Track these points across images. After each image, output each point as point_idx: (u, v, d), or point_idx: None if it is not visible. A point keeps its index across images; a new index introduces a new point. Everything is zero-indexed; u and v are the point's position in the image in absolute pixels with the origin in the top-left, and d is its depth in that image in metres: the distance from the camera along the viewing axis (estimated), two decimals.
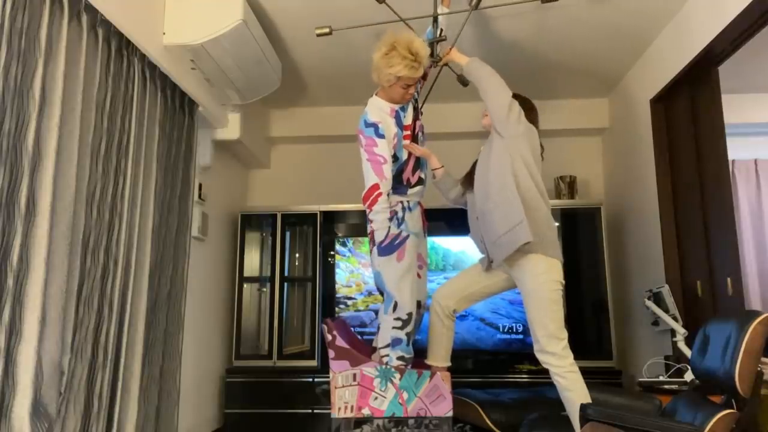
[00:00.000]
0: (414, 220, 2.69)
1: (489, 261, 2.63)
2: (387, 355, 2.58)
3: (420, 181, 2.74)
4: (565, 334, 2.43)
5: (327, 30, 2.91)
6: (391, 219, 2.59)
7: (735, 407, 1.96)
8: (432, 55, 2.88)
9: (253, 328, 4.19)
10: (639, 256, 3.93)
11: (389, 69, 2.48)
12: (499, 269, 2.64)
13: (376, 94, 2.68)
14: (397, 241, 2.59)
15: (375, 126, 2.56)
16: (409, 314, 2.57)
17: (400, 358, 2.57)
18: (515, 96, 2.61)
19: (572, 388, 2.37)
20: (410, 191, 2.71)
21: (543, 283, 2.43)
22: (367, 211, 2.56)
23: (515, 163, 2.50)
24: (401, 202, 2.67)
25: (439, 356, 2.70)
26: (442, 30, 2.90)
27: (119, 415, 2.51)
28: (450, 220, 4.08)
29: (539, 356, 2.44)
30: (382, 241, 2.56)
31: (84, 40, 2.28)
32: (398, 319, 2.55)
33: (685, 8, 3.19)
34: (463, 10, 2.98)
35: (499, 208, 2.47)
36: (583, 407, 2.00)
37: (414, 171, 2.72)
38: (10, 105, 1.92)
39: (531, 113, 2.66)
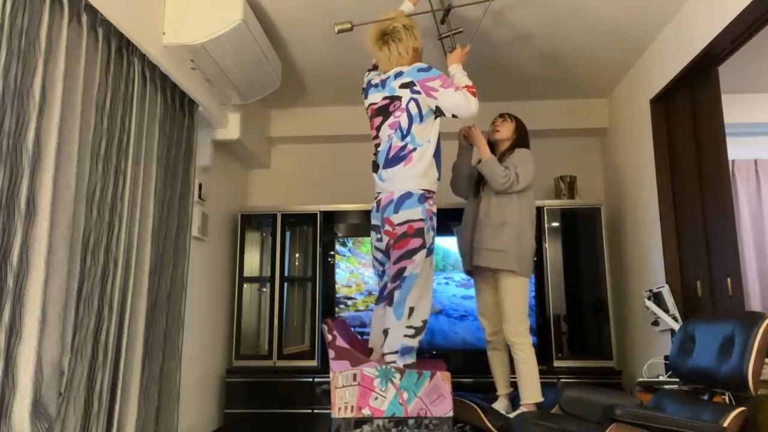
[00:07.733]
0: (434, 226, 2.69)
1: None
2: (393, 362, 2.56)
3: None
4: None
5: (348, 25, 2.73)
6: (431, 218, 2.61)
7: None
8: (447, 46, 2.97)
9: (253, 328, 4.19)
10: (639, 256, 3.93)
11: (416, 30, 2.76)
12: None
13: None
14: (432, 246, 2.63)
15: (430, 66, 2.65)
16: (424, 322, 2.57)
17: (407, 365, 2.57)
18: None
19: None
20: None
21: None
22: (471, 95, 2.64)
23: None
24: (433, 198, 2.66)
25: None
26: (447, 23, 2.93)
27: (119, 415, 2.50)
28: (450, 220, 4.08)
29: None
30: (431, 243, 2.58)
31: (84, 40, 2.28)
32: (411, 327, 2.54)
33: (685, 8, 3.19)
34: (481, 1, 2.95)
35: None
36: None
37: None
38: (10, 105, 1.92)
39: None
